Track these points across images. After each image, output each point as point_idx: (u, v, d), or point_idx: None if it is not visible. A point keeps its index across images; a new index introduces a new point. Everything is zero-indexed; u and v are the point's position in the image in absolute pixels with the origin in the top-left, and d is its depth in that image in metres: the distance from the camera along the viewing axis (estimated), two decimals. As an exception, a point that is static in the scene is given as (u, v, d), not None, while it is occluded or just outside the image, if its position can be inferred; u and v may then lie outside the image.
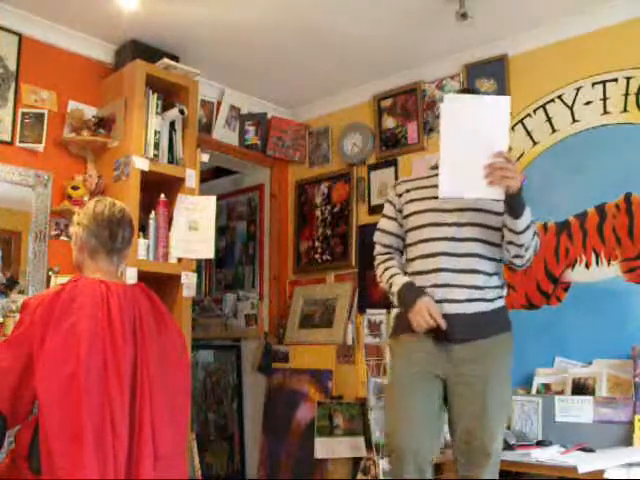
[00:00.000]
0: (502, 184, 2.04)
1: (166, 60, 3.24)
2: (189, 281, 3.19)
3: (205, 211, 3.25)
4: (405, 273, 2.37)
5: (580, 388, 2.78)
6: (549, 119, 3.19)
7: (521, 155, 3.26)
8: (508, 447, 2.62)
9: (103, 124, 3.23)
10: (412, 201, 2.37)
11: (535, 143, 3.23)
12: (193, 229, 3.22)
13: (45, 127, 3.12)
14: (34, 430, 1.80)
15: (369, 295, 3.75)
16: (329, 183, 4.08)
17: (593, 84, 3.07)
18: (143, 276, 2.90)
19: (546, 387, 2.91)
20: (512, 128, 3.30)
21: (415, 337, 2.29)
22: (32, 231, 3.06)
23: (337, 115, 4.06)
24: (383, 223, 2.49)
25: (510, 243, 2.20)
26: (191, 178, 3.27)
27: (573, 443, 2.59)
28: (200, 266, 4.17)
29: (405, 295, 2.27)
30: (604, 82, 3.03)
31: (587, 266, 2.98)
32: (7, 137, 3.03)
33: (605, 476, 2.26)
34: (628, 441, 2.54)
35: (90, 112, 3.28)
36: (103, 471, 1.72)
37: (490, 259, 2.27)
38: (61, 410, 1.71)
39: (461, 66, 3.49)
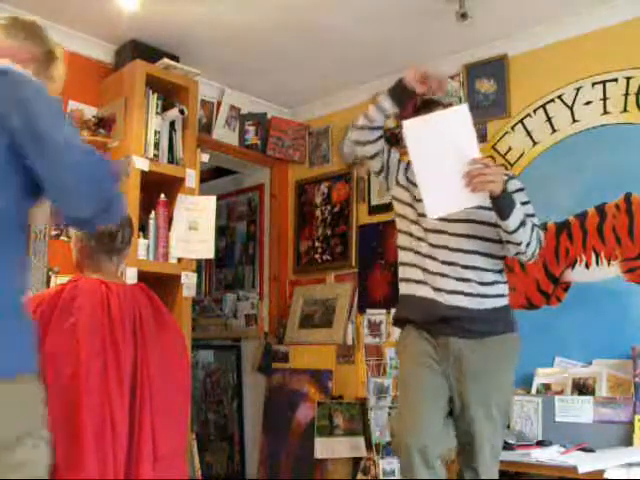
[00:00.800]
0: (484, 189, 2.05)
1: (166, 60, 3.24)
2: (189, 281, 3.20)
3: (205, 211, 3.25)
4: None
5: (580, 388, 2.78)
6: (549, 119, 3.19)
7: (521, 155, 3.26)
8: (508, 447, 2.63)
9: (103, 124, 3.23)
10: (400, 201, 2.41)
11: (535, 143, 3.23)
12: (193, 229, 3.22)
13: (45, 127, 3.11)
14: (34, 430, 1.80)
15: (369, 295, 3.75)
16: (329, 183, 4.09)
17: (593, 84, 3.07)
18: (143, 276, 2.90)
19: (546, 387, 2.91)
20: (512, 128, 3.30)
21: (417, 330, 2.30)
22: (32, 231, 3.06)
23: (337, 115, 4.06)
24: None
25: (508, 242, 2.20)
26: (191, 178, 3.27)
27: (573, 443, 2.60)
28: (200, 266, 4.17)
29: (394, 84, 2.31)
30: (604, 82, 3.03)
31: (587, 266, 2.98)
32: (7, 137, 3.03)
33: (605, 476, 2.26)
34: (628, 441, 2.54)
35: (90, 112, 3.28)
36: (103, 471, 1.73)
37: (486, 255, 2.26)
38: (61, 410, 1.71)
39: (461, 66, 3.49)
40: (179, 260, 3.20)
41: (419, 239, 2.32)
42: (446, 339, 2.23)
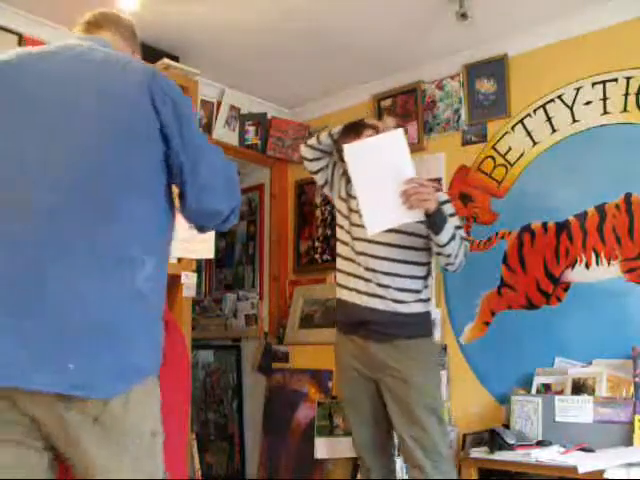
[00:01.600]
0: (420, 206, 2.21)
1: (166, 60, 3.24)
2: (189, 281, 3.19)
3: (205, 211, 3.24)
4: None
5: (580, 388, 2.78)
6: (549, 119, 3.19)
7: (521, 155, 3.26)
8: (508, 447, 2.63)
9: (103, 124, 3.23)
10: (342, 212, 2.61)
11: (535, 143, 3.23)
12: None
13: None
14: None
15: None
16: (329, 183, 4.08)
17: (593, 84, 3.07)
18: (143, 276, 2.89)
19: (546, 387, 2.91)
20: (512, 128, 3.30)
21: (345, 335, 2.53)
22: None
23: (337, 115, 4.06)
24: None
25: (439, 254, 2.39)
26: (191, 178, 3.26)
27: (573, 443, 2.59)
28: (200, 266, 4.17)
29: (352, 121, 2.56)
30: (604, 82, 3.03)
31: (587, 266, 2.98)
32: (7, 137, 3.03)
33: (605, 476, 2.26)
34: (628, 441, 2.53)
35: (90, 112, 3.27)
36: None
37: (406, 262, 2.44)
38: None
39: (461, 66, 3.49)
40: (179, 260, 3.20)
41: (349, 246, 2.53)
42: (365, 343, 2.43)
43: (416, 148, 3.63)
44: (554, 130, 3.17)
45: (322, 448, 3.45)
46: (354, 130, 2.52)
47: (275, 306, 4.20)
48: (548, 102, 3.20)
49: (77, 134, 1.36)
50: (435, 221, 2.27)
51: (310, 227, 4.17)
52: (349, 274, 2.51)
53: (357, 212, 2.49)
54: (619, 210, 2.91)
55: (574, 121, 3.11)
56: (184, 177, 1.45)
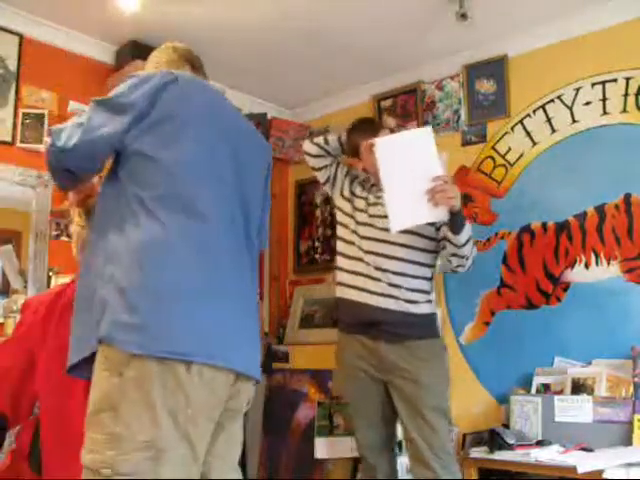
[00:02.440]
0: (446, 204, 2.20)
1: (166, 60, 3.24)
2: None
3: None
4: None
5: (579, 388, 2.78)
6: (549, 119, 3.20)
7: (521, 155, 3.26)
8: (508, 447, 2.63)
9: (103, 124, 3.23)
10: (355, 208, 2.58)
11: (535, 143, 3.23)
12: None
13: (45, 127, 3.12)
14: (35, 430, 1.80)
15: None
16: (329, 183, 4.08)
17: (593, 84, 3.07)
18: (143, 276, 2.89)
19: (546, 387, 2.91)
20: (512, 128, 3.31)
21: (350, 335, 2.50)
22: (33, 231, 3.06)
23: (337, 115, 4.06)
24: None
25: (454, 255, 2.39)
26: (191, 178, 3.26)
27: (573, 443, 2.60)
28: (200, 266, 4.16)
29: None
30: (604, 82, 3.03)
31: (587, 266, 2.98)
32: (8, 137, 3.03)
33: (604, 476, 2.26)
34: (627, 441, 2.54)
35: (90, 112, 3.28)
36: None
37: (417, 263, 2.44)
38: (62, 411, 1.71)
39: (461, 66, 3.49)
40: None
41: (356, 246, 2.50)
42: (375, 344, 2.41)
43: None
44: (554, 130, 3.18)
45: (322, 448, 3.45)
46: (369, 130, 2.53)
47: (275, 306, 4.20)
48: (548, 102, 3.20)
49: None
50: (457, 220, 2.27)
51: (310, 227, 4.17)
52: (356, 273, 2.48)
53: (364, 211, 2.51)
54: (618, 210, 2.91)
55: (574, 121, 3.12)
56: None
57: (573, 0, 3.00)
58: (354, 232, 2.53)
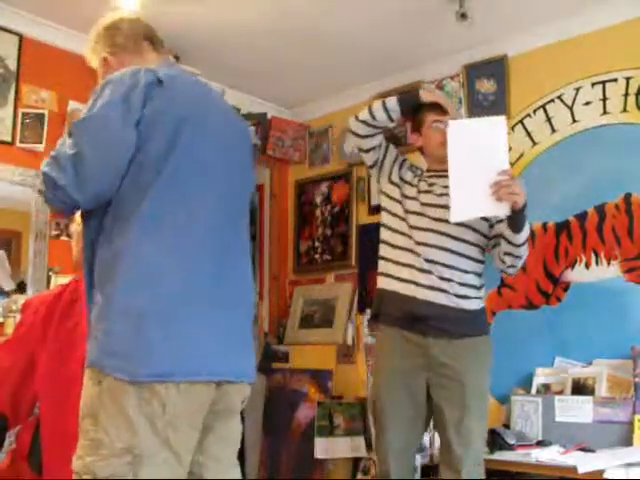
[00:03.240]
0: (510, 200, 2.09)
1: (166, 60, 3.24)
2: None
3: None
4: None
5: (580, 388, 2.78)
6: (549, 119, 3.20)
7: (521, 155, 3.26)
8: (508, 447, 2.63)
9: (103, 124, 3.23)
10: (405, 196, 2.43)
11: (535, 143, 3.23)
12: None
13: (45, 127, 3.12)
14: (35, 430, 1.80)
15: (369, 295, 3.74)
16: (329, 183, 4.09)
17: (593, 84, 3.07)
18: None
19: (546, 387, 2.91)
20: (512, 128, 3.31)
21: (394, 329, 2.35)
22: (32, 231, 3.06)
23: (337, 115, 4.06)
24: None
25: (508, 254, 2.26)
26: (191, 178, 3.26)
27: (573, 443, 2.60)
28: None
29: (410, 92, 2.42)
30: (604, 82, 3.03)
31: (587, 266, 2.98)
32: (7, 137, 3.03)
33: (605, 476, 2.26)
34: (628, 441, 2.54)
35: (90, 112, 3.27)
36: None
37: (470, 258, 2.32)
38: (62, 411, 1.71)
39: (461, 66, 3.49)
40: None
41: (405, 235, 2.36)
42: (423, 339, 2.28)
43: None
44: (554, 130, 3.18)
45: (322, 448, 3.45)
46: (412, 110, 2.42)
47: (275, 306, 4.19)
48: (548, 102, 3.20)
49: None
50: (519, 219, 2.15)
51: (310, 227, 4.17)
52: (402, 264, 2.33)
53: (416, 199, 2.37)
54: (619, 210, 2.91)
55: (574, 121, 3.11)
56: None
57: (573, 0, 3.00)
58: (403, 220, 2.38)
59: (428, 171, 2.46)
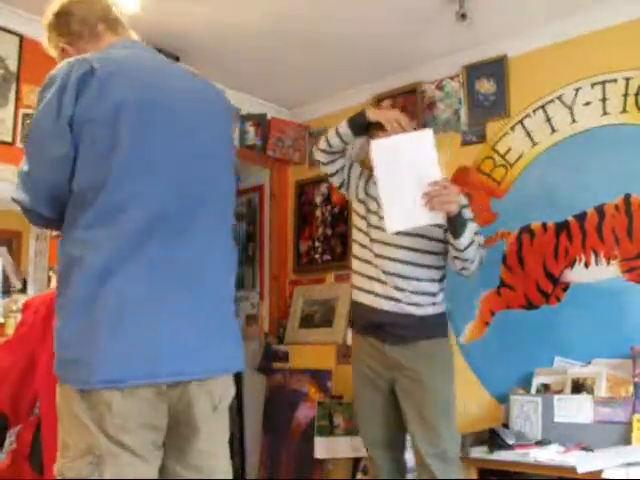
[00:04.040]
0: (441, 209, 2.20)
1: (166, 60, 3.25)
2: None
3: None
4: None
5: (579, 388, 2.78)
6: (549, 119, 3.20)
7: (521, 155, 3.27)
8: (507, 447, 2.63)
9: (103, 124, 3.23)
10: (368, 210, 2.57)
11: (535, 143, 3.23)
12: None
13: (46, 127, 3.12)
14: (35, 430, 1.80)
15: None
16: (329, 183, 4.07)
17: (593, 84, 3.07)
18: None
19: (545, 387, 2.92)
20: (512, 128, 3.31)
21: (362, 336, 2.54)
22: (33, 231, 3.06)
23: (337, 115, 4.05)
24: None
25: (456, 258, 2.38)
26: (191, 178, 3.26)
27: (572, 443, 2.60)
28: (200, 266, 4.16)
29: (358, 113, 2.54)
30: (604, 82, 3.04)
31: (586, 266, 2.99)
32: (8, 137, 3.03)
33: (604, 476, 2.26)
34: (627, 441, 2.54)
35: (90, 112, 3.28)
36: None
37: (423, 266, 2.44)
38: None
39: (461, 66, 3.50)
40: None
41: (367, 249, 2.51)
42: (382, 345, 2.44)
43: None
44: (554, 131, 3.18)
45: (322, 448, 3.45)
46: (364, 130, 2.52)
47: (275, 306, 4.20)
48: (548, 103, 3.21)
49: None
50: (456, 225, 2.27)
51: (310, 227, 4.17)
52: (366, 277, 2.50)
53: (376, 213, 2.49)
54: (618, 210, 2.91)
55: (574, 122, 3.12)
56: None
57: (573, 0, 3.00)
58: (367, 235, 2.53)
59: None
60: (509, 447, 2.63)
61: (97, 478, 1.30)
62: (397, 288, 2.41)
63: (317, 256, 4.08)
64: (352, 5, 3.02)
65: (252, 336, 4.25)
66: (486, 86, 3.41)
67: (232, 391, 1.57)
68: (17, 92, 3.09)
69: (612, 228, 2.92)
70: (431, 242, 2.46)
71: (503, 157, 3.32)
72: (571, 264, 3.03)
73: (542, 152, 3.20)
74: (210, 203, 1.49)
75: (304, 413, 3.76)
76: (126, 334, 1.31)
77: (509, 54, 3.34)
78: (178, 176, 1.43)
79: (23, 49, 3.12)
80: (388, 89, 3.79)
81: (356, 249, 2.59)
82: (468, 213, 2.42)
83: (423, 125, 3.60)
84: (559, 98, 3.17)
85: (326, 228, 4.08)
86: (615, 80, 3.00)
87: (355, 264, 2.59)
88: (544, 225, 3.12)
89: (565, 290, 3.03)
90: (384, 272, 2.44)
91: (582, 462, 2.32)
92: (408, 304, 2.41)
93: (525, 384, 2.99)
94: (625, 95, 2.97)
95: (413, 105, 3.67)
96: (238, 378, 4.35)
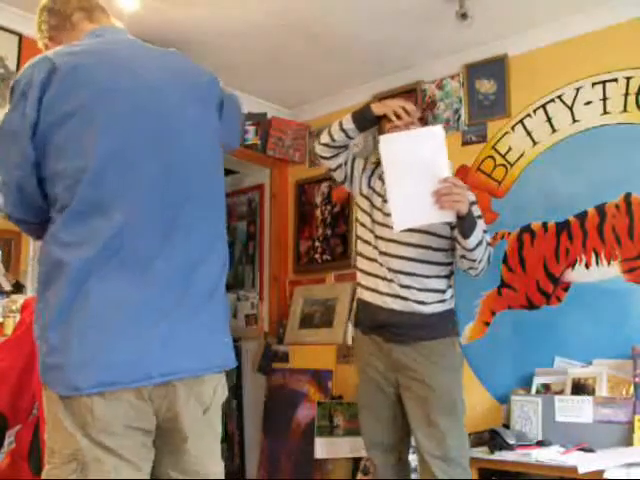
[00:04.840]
0: (451, 208, 2.14)
1: (166, 60, 3.24)
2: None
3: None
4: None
5: (580, 388, 2.78)
6: (549, 119, 3.19)
7: (521, 155, 3.26)
8: (508, 447, 2.63)
9: (103, 124, 3.23)
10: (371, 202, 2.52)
11: (535, 143, 3.23)
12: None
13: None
14: (34, 430, 1.80)
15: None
16: (329, 183, 4.08)
17: (593, 84, 3.07)
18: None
19: (546, 387, 2.91)
20: (512, 128, 3.30)
21: (366, 335, 2.48)
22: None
23: (337, 115, 4.00)
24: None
25: (463, 257, 2.33)
26: (191, 178, 3.26)
27: (573, 443, 2.59)
28: (200, 266, 4.15)
29: (362, 108, 2.50)
30: (604, 82, 3.03)
31: (587, 266, 2.98)
32: (7, 137, 3.03)
33: (605, 476, 2.26)
34: (628, 441, 2.54)
35: (90, 112, 3.27)
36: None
37: (430, 263, 2.39)
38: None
39: (461, 66, 3.49)
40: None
41: (371, 245, 2.46)
42: (387, 345, 2.39)
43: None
44: (554, 130, 3.17)
45: (322, 448, 3.45)
46: (369, 124, 2.48)
47: (275, 306, 4.19)
48: (548, 102, 3.20)
49: None
50: (465, 224, 2.21)
51: (310, 227, 4.17)
52: (370, 274, 2.45)
53: (380, 210, 2.44)
54: (619, 210, 2.91)
55: (574, 121, 3.11)
56: None
57: (573, 0, 3.00)
58: (371, 231, 2.47)
59: None
60: (510, 447, 2.63)
61: None
62: (403, 286, 2.36)
63: (317, 256, 4.08)
64: (352, 5, 3.02)
65: (252, 336, 4.24)
66: (486, 85, 3.40)
67: (225, 390, 1.52)
68: (16, 92, 3.08)
69: (613, 228, 2.92)
70: (438, 239, 2.40)
71: (503, 157, 3.32)
72: (572, 264, 3.02)
73: (542, 152, 3.20)
74: (196, 200, 1.44)
75: (304, 413, 3.76)
76: (107, 338, 1.29)
77: (509, 53, 3.34)
78: (158, 172, 1.38)
79: (22, 49, 3.11)
80: (388, 88, 3.79)
81: (360, 246, 2.53)
82: (477, 210, 2.37)
83: (425, 123, 3.60)
84: (559, 97, 3.17)
85: (326, 228, 4.07)
86: (615, 79, 3.00)
87: (359, 261, 2.53)
88: (544, 225, 3.11)
89: (566, 290, 3.03)
90: (389, 270, 2.39)
91: (583, 462, 2.32)
92: (414, 302, 2.36)
93: (525, 384, 2.98)
94: (625, 94, 2.96)
95: (413, 105, 3.66)
96: (238, 378, 4.35)
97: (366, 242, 2.49)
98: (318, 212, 4.14)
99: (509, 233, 3.22)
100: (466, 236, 2.23)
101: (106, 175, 1.33)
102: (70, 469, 1.30)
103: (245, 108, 4.03)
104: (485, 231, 2.36)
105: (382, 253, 2.42)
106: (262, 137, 4.09)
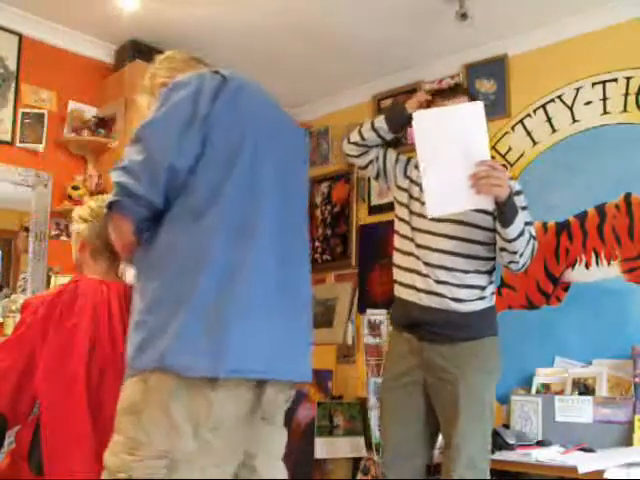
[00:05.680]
0: (489, 193, 1.97)
1: (166, 60, 3.24)
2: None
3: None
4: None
5: (580, 388, 2.78)
6: (549, 119, 3.19)
7: (521, 155, 3.26)
8: (508, 447, 2.63)
9: (103, 124, 3.24)
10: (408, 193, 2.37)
11: (535, 143, 3.23)
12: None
13: (45, 127, 3.12)
14: (34, 430, 1.80)
15: (369, 295, 3.75)
16: (329, 183, 4.09)
17: (593, 84, 3.07)
18: (143, 276, 2.89)
19: (546, 387, 2.91)
20: (512, 128, 3.30)
21: (400, 333, 2.34)
22: (32, 231, 3.06)
23: (337, 115, 4.06)
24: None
25: (503, 250, 2.14)
26: (191, 178, 3.26)
27: (573, 443, 2.59)
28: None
29: (392, 105, 2.38)
30: (604, 82, 3.03)
31: (587, 266, 2.98)
32: (7, 137, 3.03)
33: (605, 476, 2.26)
34: (628, 441, 2.54)
35: (90, 112, 3.28)
36: (93, 467, 1.72)
37: (470, 257, 2.22)
38: (62, 411, 1.71)
39: (461, 66, 3.49)
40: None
41: (408, 239, 2.30)
42: (420, 344, 2.24)
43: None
44: (554, 130, 3.17)
45: (322, 448, 3.45)
46: (403, 125, 2.36)
47: (275, 306, 4.18)
48: (548, 102, 3.20)
49: None
50: (505, 212, 2.02)
51: (310, 227, 4.15)
52: (406, 269, 2.29)
53: (418, 200, 2.27)
54: (619, 210, 2.91)
55: (574, 121, 3.11)
56: None
57: (573, 0, 3.00)
58: (408, 224, 2.30)
59: None
60: (510, 447, 2.62)
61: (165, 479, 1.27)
62: (439, 282, 2.19)
63: (317, 256, 4.07)
64: (352, 5, 3.02)
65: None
66: (486, 85, 3.40)
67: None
68: (16, 92, 3.09)
69: (613, 228, 2.92)
70: (479, 230, 2.21)
71: (503, 157, 3.31)
72: (572, 264, 3.02)
73: (542, 152, 3.20)
74: (296, 224, 1.60)
75: (304, 413, 3.75)
76: (251, 328, 1.34)
77: (509, 53, 3.34)
78: (280, 204, 1.51)
79: (22, 49, 3.12)
80: (388, 88, 3.79)
81: (397, 241, 2.37)
82: (521, 201, 2.18)
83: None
84: (559, 97, 3.17)
85: (326, 228, 4.07)
86: (615, 79, 3.00)
87: (396, 257, 2.36)
88: (545, 225, 3.11)
89: (566, 290, 3.03)
90: (425, 264, 2.22)
91: (583, 462, 2.31)
92: (451, 299, 2.18)
93: (526, 384, 2.98)
94: (625, 94, 2.97)
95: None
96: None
97: (403, 236, 2.33)
98: (318, 212, 4.13)
99: (509, 233, 3.22)
100: (505, 225, 2.04)
101: (255, 181, 1.47)
102: (158, 466, 1.27)
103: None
104: (529, 223, 2.17)
105: (419, 246, 2.25)
106: (262, 137, 4.08)
